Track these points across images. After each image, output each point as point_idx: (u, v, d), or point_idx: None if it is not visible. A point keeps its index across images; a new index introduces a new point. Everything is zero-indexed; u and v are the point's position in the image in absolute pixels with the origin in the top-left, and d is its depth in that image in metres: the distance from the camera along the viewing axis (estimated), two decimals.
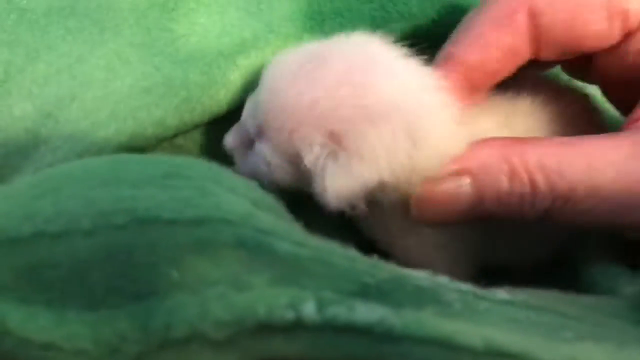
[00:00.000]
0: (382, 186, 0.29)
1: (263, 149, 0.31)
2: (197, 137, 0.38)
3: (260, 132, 0.31)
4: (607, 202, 0.27)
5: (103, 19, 0.35)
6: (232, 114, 0.38)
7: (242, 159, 0.33)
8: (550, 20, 0.30)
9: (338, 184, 0.28)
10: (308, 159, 0.29)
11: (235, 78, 0.35)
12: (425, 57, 0.32)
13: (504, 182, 0.28)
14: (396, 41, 0.37)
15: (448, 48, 0.32)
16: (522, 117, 0.33)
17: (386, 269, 0.22)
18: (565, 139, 0.30)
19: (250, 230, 0.21)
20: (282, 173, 0.31)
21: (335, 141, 0.28)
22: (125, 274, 0.20)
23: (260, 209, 0.24)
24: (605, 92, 0.35)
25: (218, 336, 0.19)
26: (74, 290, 0.20)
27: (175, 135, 0.36)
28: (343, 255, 0.22)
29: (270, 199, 0.26)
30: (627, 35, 0.31)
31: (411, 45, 0.37)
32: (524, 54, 0.31)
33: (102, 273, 0.20)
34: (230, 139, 0.33)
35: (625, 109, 0.33)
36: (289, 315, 0.19)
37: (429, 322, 0.19)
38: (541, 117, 0.33)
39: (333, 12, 0.39)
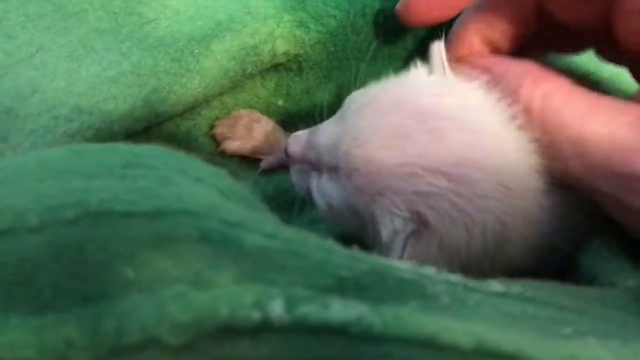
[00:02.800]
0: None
1: (330, 187, 0.30)
2: (171, 128, 0.36)
3: (333, 170, 0.29)
4: (594, 163, 0.26)
5: (66, 4, 0.33)
6: (208, 102, 0.36)
7: (299, 170, 0.32)
8: None
9: (412, 259, 0.27)
10: (386, 230, 0.27)
11: (209, 65, 0.33)
12: None
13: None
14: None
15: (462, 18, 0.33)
16: None
17: (366, 261, 0.20)
18: (585, 91, 0.28)
19: (215, 222, 0.19)
20: (338, 217, 0.30)
21: (421, 223, 0.27)
22: (76, 274, 0.18)
23: (229, 200, 0.22)
24: (633, 71, 0.34)
25: (176, 341, 0.17)
26: (20, 293, 0.18)
27: (148, 128, 0.34)
28: (318, 246, 0.20)
29: (241, 189, 0.24)
30: None
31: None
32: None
33: (50, 273, 0.18)
34: (296, 147, 0.31)
35: None
36: (255, 315, 0.17)
37: (411, 319, 0.17)
38: None
39: None
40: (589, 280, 0.29)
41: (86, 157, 0.22)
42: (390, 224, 0.27)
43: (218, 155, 0.38)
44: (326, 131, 0.30)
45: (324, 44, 0.36)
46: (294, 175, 0.32)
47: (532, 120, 0.28)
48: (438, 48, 0.30)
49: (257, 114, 0.39)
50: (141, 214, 0.19)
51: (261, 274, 0.18)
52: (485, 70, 0.30)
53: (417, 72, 0.30)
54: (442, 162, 0.27)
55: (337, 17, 0.36)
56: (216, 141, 0.38)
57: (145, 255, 0.18)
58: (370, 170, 0.27)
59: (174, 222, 0.19)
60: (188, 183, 0.22)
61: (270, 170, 0.39)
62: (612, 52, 0.34)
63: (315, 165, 0.31)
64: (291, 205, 0.34)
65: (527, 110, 0.28)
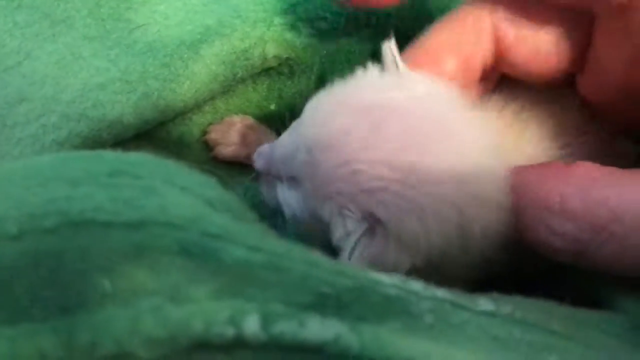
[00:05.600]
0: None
1: (291, 197, 0.30)
2: (163, 134, 0.35)
3: (292, 180, 0.29)
4: None
5: (54, 11, 0.33)
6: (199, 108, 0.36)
7: (266, 183, 0.32)
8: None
9: (366, 261, 0.26)
10: (339, 232, 0.27)
11: (199, 69, 0.33)
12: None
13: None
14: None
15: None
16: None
17: (351, 275, 0.19)
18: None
19: (196, 235, 0.19)
20: (305, 226, 0.30)
21: (373, 222, 0.26)
22: (53, 284, 0.18)
23: (215, 209, 0.22)
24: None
25: (149, 355, 0.16)
26: None
27: (138, 135, 0.34)
28: (302, 259, 0.19)
29: (230, 198, 0.23)
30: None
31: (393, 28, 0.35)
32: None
33: (28, 282, 0.18)
34: (260, 161, 0.31)
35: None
36: (229, 331, 0.16)
37: (390, 341, 0.16)
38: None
39: None
40: (589, 292, 0.28)
41: (73, 164, 0.22)
42: (342, 227, 0.26)
43: (210, 161, 0.38)
44: (282, 142, 0.30)
45: (315, 47, 0.36)
46: (263, 187, 0.32)
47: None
48: (389, 47, 0.29)
49: (250, 120, 0.39)
50: (122, 224, 0.19)
51: (239, 289, 0.18)
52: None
53: (367, 71, 0.29)
54: (382, 152, 0.25)
55: (328, 20, 0.35)
56: (208, 147, 0.38)
57: (123, 267, 0.18)
58: (317, 175, 0.27)
59: (154, 234, 0.19)
60: (173, 193, 0.21)
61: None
62: None
63: (278, 177, 0.30)
64: (282, 212, 0.33)
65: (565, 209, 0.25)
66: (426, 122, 0.26)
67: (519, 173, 0.27)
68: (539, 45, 0.29)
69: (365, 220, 0.26)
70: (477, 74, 0.30)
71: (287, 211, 0.30)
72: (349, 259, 0.26)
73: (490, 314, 0.20)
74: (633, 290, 0.26)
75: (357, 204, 0.26)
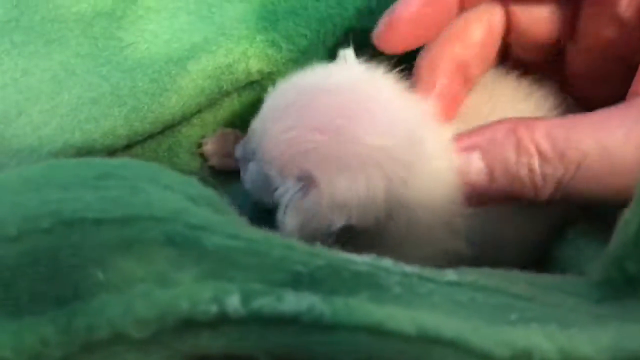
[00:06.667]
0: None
1: (251, 167, 0.33)
2: (153, 145, 0.37)
3: (253, 153, 0.32)
4: (620, 164, 0.27)
5: (48, 31, 0.35)
6: (188, 121, 0.38)
7: (243, 169, 0.35)
8: None
9: (299, 220, 0.29)
10: (279, 191, 0.30)
11: (186, 84, 0.35)
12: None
13: (510, 153, 0.29)
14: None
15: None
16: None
17: (324, 256, 0.21)
18: (571, 114, 0.30)
19: (179, 226, 0.21)
20: (260, 193, 0.33)
21: (308, 181, 0.29)
22: (51, 279, 0.20)
23: (197, 205, 0.23)
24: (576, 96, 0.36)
25: (141, 335, 0.18)
26: None
27: (129, 146, 0.36)
28: (280, 244, 0.21)
29: (210, 194, 0.25)
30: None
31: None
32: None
33: (28, 279, 0.20)
34: (238, 150, 0.35)
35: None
36: (213, 309, 0.18)
37: (360, 308, 0.18)
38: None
39: (287, 11, 0.38)
40: (566, 266, 0.30)
41: (63, 170, 0.24)
42: (283, 186, 0.29)
43: (200, 170, 0.40)
44: (252, 123, 0.33)
45: (296, 62, 0.38)
46: (242, 173, 0.35)
47: (550, 162, 0.28)
48: (344, 53, 0.32)
49: (241, 133, 0.41)
50: (111, 220, 0.20)
51: (221, 272, 0.19)
52: (473, 148, 0.30)
53: (321, 65, 0.33)
54: (316, 119, 0.29)
55: (308, 37, 0.37)
56: (197, 157, 0.40)
57: (115, 259, 0.20)
58: (266, 141, 0.30)
59: (141, 227, 0.20)
60: (157, 190, 0.23)
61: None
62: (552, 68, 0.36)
63: (249, 158, 0.34)
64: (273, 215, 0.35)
65: (543, 156, 0.28)
66: (358, 95, 0.30)
67: (483, 132, 0.30)
68: (538, 15, 0.33)
69: (301, 179, 0.29)
70: (497, 44, 0.34)
71: (247, 181, 0.33)
72: (284, 213, 0.29)
73: (455, 284, 0.21)
74: (593, 258, 0.28)
75: (295, 164, 0.29)
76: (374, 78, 0.31)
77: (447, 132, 0.31)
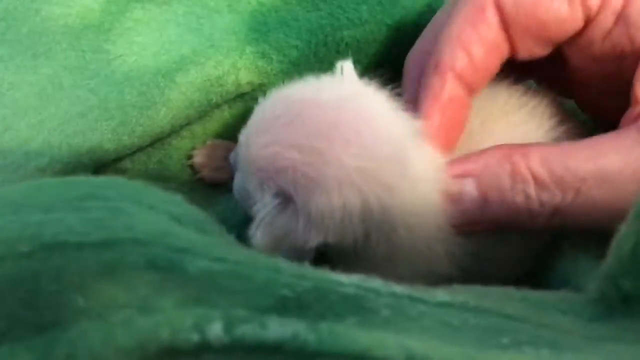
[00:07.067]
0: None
1: (237, 176, 0.33)
2: (143, 158, 0.37)
3: (238, 163, 0.32)
4: (618, 189, 0.27)
5: (35, 44, 0.34)
6: (177, 133, 0.37)
7: (235, 176, 0.35)
8: (514, 9, 0.31)
9: (272, 236, 0.29)
10: (257, 205, 0.30)
11: (175, 96, 0.35)
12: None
13: (505, 180, 0.28)
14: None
15: (433, 58, 0.32)
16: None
17: (311, 278, 0.20)
18: (568, 141, 0.30)
19: (162, 249, 0.20)
20: (242, 202, 0.33)
21: (285, 198, 0.29)
22: (30, 305, 0.19)
23: (181, 224, 0.23)
24: (581, 103, 0.36)
25: None
26: None
27: (119, 159, 0.35)
28: (265, 266, 0.21)
29: (195, 213, 0.25)
30: (589, 21, 0.31)
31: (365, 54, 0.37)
32: (504, 46, 0.32)
33: (7, 305, 0.19)
34: (231, 156, 0.35)
35: (601, 118, 0.35)
36: (194, 337, 0.18)
37: (346, 335, 0.18)
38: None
39: (278, 22, 0.38)
40: (561, 282, 0.30)
41: (44, 191, 0.23)
42: (261, 201, 0.29)
43: (190, 182, 0.39)
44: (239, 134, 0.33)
45: (287, 73, 0.37)
46: (234, 181, 0.35)
47: (547, 188, 0.28)
48: (342, 65, 0.32)
49: (232, 144, 0.40)
50: (92, 244, 0.20)
51: (204, 297, 0.19)
52: (466, 175, 0.29)
53: (315, 76, 0.32)
54: (296, 137, 0.29)
55: (299, 47, 0.37)
56: (187, 170, 0.40)
57: (96, 284, 0.19)
58: (248, 153, 0.30)
59: (123, 251, 0.20)
60: (140, 211, 0.22)
61: None
62: (558, 80, 0.36)
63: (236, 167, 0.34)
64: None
65: (539, 182, 0.28)
66: (345, 113, 0.29)
67: (476, 158, 0.29)
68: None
69: (279, 195, 0.29)
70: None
71: (235, 190, 0.33)
72: (257, 228, 0.29)
73: (447, 304, 0.21)
74: (589, 271, 0.27)
75: (273, 180, 0.29)
76: (366, 94, 0.31)
77: (436, 154, 0.30)
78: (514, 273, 0.33)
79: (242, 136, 0.32)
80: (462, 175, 0.29)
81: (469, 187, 0.29)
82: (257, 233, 0.29)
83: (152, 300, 0.19)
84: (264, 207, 0.29)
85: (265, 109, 0.31)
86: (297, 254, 0.29)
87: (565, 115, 0.35)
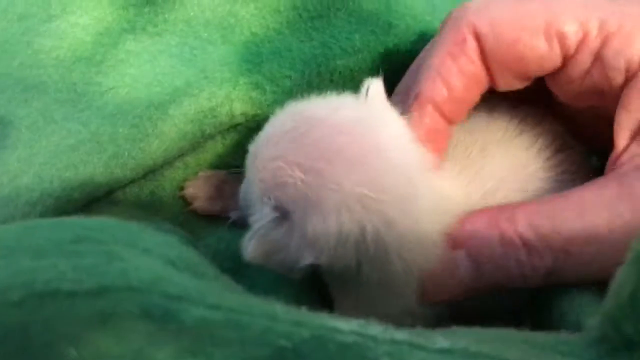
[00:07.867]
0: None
1: (244, 182, 0.33)
2: (135, 190, 0.36)
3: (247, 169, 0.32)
4: (607, 246, 0.27)
5: (26, 77, 0.34)
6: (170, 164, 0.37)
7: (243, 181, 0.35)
8: (493, 43, 0.31)
9: (264, 249, 0.29)
10: (255, 216, 0.30)
11: (167, 129, 0.34)
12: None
13: (496, 247, 0.28)
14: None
15: (414, 89, 0.32)
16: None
17: (309, 325, 0.20)
18: (552, 195, 0.29)
19: (157, 297, 0.20)
20: (244, 208, 0.33)
21: (282, 213, 0.29)
22: (20, 357, 0.19)
23: (177, 268, 0.23)
24: (571, 132, 0.35)
25: None
26: None
27: (112, 191, 0.35)
28: (262, 313, 0.20)
29: (190, 256, 0.24)
30: (567, 59, 0.31)
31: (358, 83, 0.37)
32: (483, 78, 0.32)
33: None
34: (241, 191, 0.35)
35: (591, 144, 0.35)
36: None
37: None
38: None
39: (271, 52, 0.38)
40: (558, 317, 0.29)
41: (37, 233, 0.23)
42: (260, 212, 0.29)
43: (182, 214, 0.39)
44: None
45: (280, 103, 0.36)
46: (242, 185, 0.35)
47: (537, 252, 0.28)
48: (369, 84, 0.32)
49: (224, 175, 0.40)
50: (85, 292, 0.20)
51: (199, 349, 0.18)
52: (458, 246, 0.29)
53: (340, 95, 0.32)
54: (300, 155, 0.29)
55: (292, 78, 0.37)
56: (180, 201, 0.39)
57: (88, 335, 0.19)
58: (253, 164, 0.30)
59: (116, 299, 0.19)
60: (135, 255, 0.22)
61: (239, 226, 0.40)
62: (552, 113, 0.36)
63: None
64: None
65: (528, 247, 0.28)
66: (354, 138, 0.29)
67: (463, 226, 0.29)
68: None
69: (278, 210, 0.29)
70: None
71: (240, 199, 0.33)
72: (251, 238, 0.29)
73: (447, 351, 0.21)
74: (589, 310, 0.27)
75: (274, 194, 0.29)
76: (382, 121, 0.30)
77: (445, 193, 0.30)
78: (511, 304, 0.33)
79: (252, 145, 0.32)
80: (455, 247, 0.29)
81: (461, 259, 0.29)
82: (250, 243, 0.29)
83: (146, 351, 0.18)
84: (261, 218, 0.29)
85: (278, 121, 0.31)
86: (287, 270, 0.29)
87: (565, 140, 0.35)
